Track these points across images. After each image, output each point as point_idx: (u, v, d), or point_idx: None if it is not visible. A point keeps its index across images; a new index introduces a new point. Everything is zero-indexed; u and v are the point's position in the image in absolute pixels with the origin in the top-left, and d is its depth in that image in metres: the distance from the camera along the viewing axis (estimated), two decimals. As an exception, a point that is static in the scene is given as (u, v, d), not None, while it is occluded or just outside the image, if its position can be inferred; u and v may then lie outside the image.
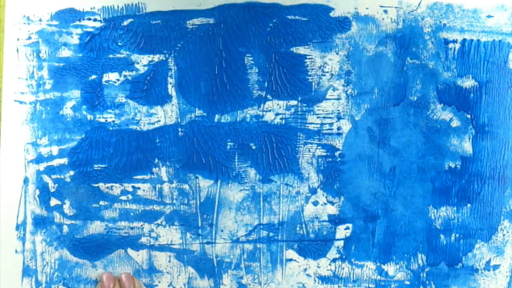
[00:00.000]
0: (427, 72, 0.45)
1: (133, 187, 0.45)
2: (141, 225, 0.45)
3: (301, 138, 0.45)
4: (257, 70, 0.45)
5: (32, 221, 0.45)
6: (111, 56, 0.45)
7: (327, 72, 0.45)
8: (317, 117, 0.45)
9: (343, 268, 0.45)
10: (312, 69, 0.45)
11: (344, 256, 0.45)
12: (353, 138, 0.45)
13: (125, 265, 0.45)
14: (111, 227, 0.45)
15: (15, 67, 0.45)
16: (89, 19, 0.45)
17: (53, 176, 0.45)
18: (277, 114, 0.45)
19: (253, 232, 0.45)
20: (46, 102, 0.45)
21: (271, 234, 0.45)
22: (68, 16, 0.45)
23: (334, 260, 0.45)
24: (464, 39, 0.45)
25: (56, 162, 0.45)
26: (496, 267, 0.45)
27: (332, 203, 0.45)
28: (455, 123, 0.45)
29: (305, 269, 0.45)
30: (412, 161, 0.45)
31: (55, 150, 0.45)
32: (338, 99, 0.45)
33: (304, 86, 0.45)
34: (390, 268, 0.45)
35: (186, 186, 0.45)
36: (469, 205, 0.45)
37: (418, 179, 0.45)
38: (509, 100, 0.45)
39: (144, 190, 0.45)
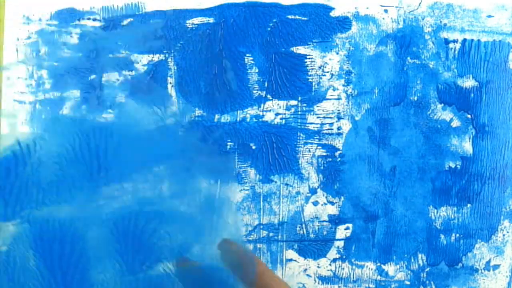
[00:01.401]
0: (427, 72, 0.45)
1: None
2: (141, 225, 0.45)
3: (301, 138, 0.45)
4: (257, 70, 0.45)
5: (32, 221, 0.45)
6: (111, 56, 0.45)
7: (327, 72, 0.45)
8: (317, 117, 0.45)
9: (343, 268, 0.45)
10: (312, 69, 0.45)
11: (344, 256, 0.45)
12: (353, 138, 0.45)
13: (125, 265, 0.45)
14: (111, 227, 0.45)
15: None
16: (89, 18, 0.45)
17: (53, 176, 0.45)
18: (277, 114, 0.45)
19: (253, 232, 0.45)
20: (46, 102, 0.45)
21: (271, 234, 0.45)
22: (67, 16, 0.45)
23: (334, 260, 0.45)
24: (465, 39, 0.45)
25: (56, 162, 0.45)
26: (496, 267, 0.45)
27: (332, 203, 0.45)
28: (455, 123, 0.45)
29: (305, 269, 0.45)
30: (412, 161, 0.45)
31: (55, 150, 0.45)
32: (338, 99, 0.45)
33: (304, 86, 0.45)
34: (390, 268, 0.45)
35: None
36: (469, 205, 0.45)
37: (418, 179, 0.45)
38: (509, 100, 0.45)
39: (144, 190, 0.45)
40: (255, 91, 0.45)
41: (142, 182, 0.38)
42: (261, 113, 0.45)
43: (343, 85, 0.45)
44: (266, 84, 0.45)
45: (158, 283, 0.38)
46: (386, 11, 0.45)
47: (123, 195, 0.38)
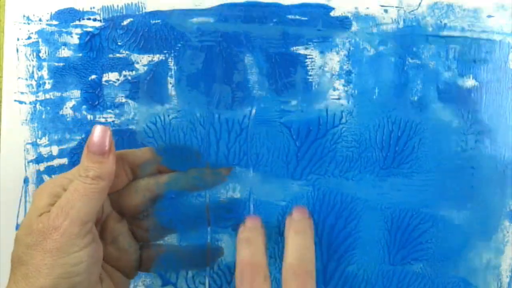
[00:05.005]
0: (427, 72, 0.45)
1: (133, 187, 0.45)
2: (141, 225, 0.45)
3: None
4: (257, 70, 0.45)
5: (32, 221, 0.45)
6: (111, 56, 0.45)
7: (327, 72, 0.45)
8: (317, 117, 0.45)
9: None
10: (312, 69, 0.45)
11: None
12: (353, 137, 0.45)
13: (125, 265, 0.45)
14: (111, 227, 0.45)
15: (15, 67, 0.45)
16: (89, 18, 0.45)
17: (53, 176, 0.45)
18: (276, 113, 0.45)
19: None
20: (46, 102, 0.45)
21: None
22: (68, 16, 0.45)
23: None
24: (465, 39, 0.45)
25: (56, 162, 0.45)
26: (496, 267, 0.45)
27: (332, 203, 0.45)
28: (455, 123, 0.45)
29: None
30: (412, 161, 0.45)
31: (55, 150, 0.45)
32: (338, 99, 0.45)
33: (304, 86, 0.45)
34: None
35: (186, 186, 0.45)
36: (469, 205, 0.45)
37: (418, 179, 0.45)
38: (509, 100, 0.45)
39: (144, 190, 0.45)
40: (255, 91, 0.45)
41: (425, 183, 0.41)
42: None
43: (343, 85, 0.45)
44: (266, 84, 0.45)
45: (412, 280, 0.41)
46: (386, 11, 0.45)
47: (408, 190, 0.41)
